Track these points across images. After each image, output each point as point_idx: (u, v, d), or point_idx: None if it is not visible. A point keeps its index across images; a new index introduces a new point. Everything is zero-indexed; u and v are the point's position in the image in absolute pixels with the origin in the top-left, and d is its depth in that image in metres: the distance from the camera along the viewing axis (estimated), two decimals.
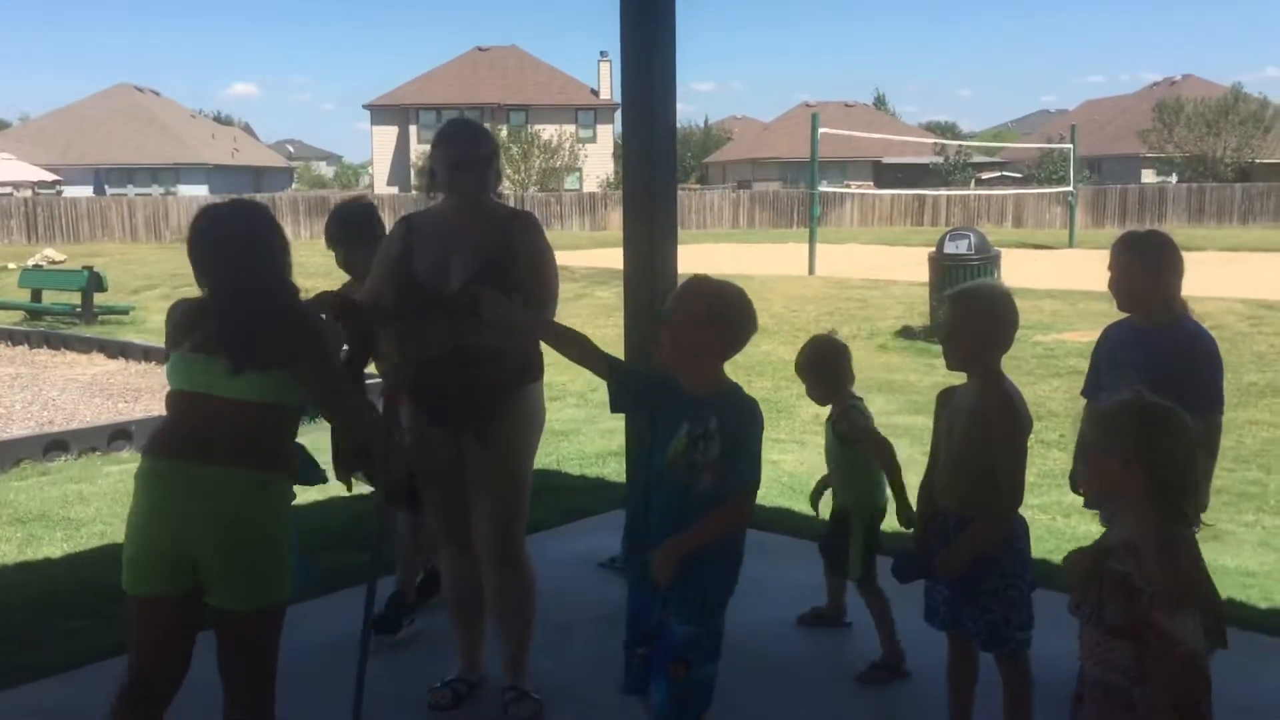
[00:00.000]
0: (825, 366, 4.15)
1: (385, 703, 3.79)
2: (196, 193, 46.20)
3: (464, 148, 3.63)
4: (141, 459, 2.94)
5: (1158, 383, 2.51)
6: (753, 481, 2.84)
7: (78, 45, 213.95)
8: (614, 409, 3.15)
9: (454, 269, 3.56)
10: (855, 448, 4.08)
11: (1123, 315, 3.61)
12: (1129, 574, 2.28)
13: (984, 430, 3.08)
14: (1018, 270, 13.83)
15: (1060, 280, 17.77)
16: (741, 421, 2.82)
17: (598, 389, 10.73)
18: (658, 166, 5.04)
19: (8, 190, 40.98)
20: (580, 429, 8.82)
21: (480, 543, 3.73)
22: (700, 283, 2.91)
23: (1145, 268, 3.49)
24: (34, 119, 61.35)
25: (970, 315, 3.17)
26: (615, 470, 7.17)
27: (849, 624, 4.45)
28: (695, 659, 2.82)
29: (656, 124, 5.03)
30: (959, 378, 3.28)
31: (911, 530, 3.55)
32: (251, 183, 56.70)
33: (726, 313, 2.86)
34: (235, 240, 2.95)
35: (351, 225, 4.40)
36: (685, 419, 2.82)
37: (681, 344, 2.84)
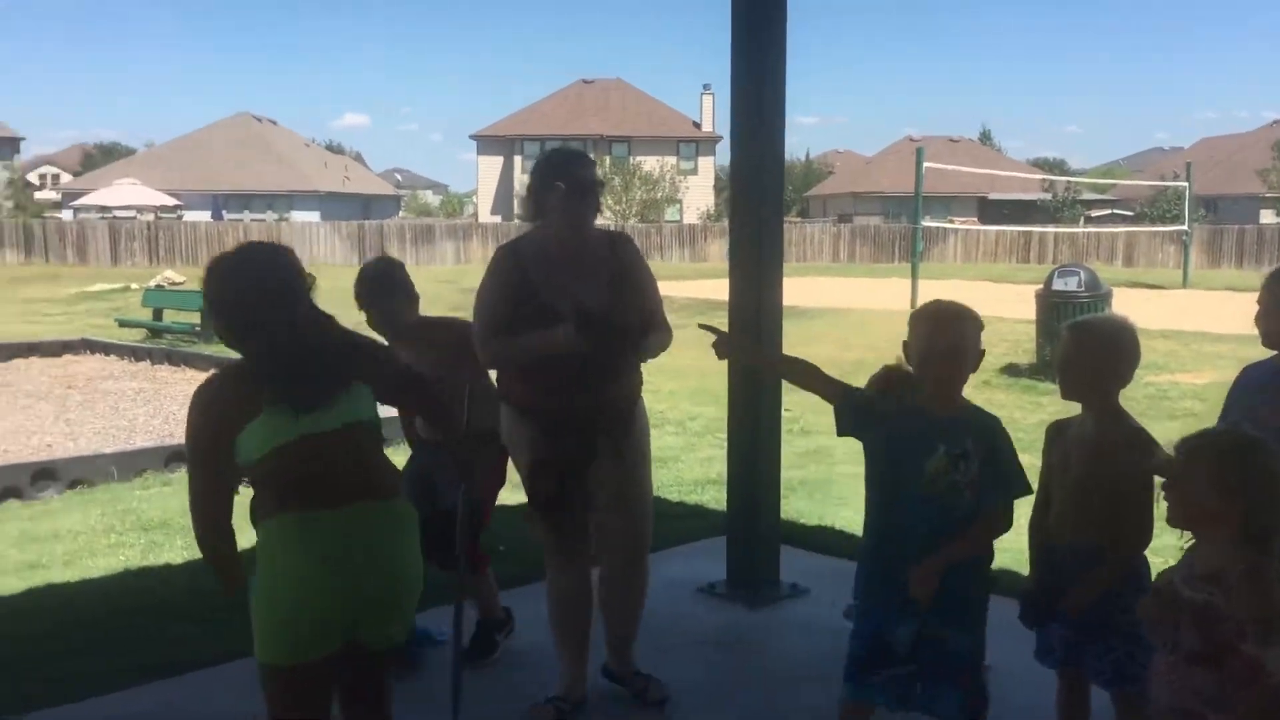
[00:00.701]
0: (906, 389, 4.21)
1: None
2: (309, 219, 47.59)
3: (592, 172, 3.75)
4: (271, 522, 2.69)
5: None
6: (1017, 493, 3.02)
7: (201, 75, 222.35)
8: (841, 433, 3.26)
9: (584, 292, 3.66)
10: None
11: (1265, 355, 3.43)
12: (1212, 603, 2.28)
13: (1110, 463, 3.03)
14: (1129, 309, 13.39)
15: (1174, 321, 17.32)
16: (996, 438, 3.00)
17: (696, 417, 10.78)
18: (765, 200, 5.08)
19: (131, 214, 42.74)
20: (679, 456, 8.88)
21: (617, 549, 3.93)
22: (937, 308, 3.08)
23: None
24: (158, 146, 63.78)
25: (1091, 346, 3.13)
26: (714, 498, 7.21)
27: None
28: (979, 662, 3.04)
29: (765, 157, 5.07)
30: (1068, 410, 3.25)
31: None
32: (361, 210, 58.14)
33: (970, 339, 3.02)
34: (279, 285, 2.76)
35: (369, 280, 4.27)
36: (940, 441, 2.96)
37: (951, 368, 2.99)
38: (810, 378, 3.26)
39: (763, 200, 5.08)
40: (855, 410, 3.13)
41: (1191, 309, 19.26)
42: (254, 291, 2.70)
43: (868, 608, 3.11)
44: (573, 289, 3.67)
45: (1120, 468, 3.00)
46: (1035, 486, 3.16)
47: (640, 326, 3.72)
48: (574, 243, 3.73)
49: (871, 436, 3.10)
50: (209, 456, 2.67)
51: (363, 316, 4.18)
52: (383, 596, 2.73)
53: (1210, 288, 26.79)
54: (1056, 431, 3.25)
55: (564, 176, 3.68)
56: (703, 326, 3.45)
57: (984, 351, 3.05)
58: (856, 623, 3.14)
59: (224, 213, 48.56)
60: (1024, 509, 3.47)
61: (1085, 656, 3.13)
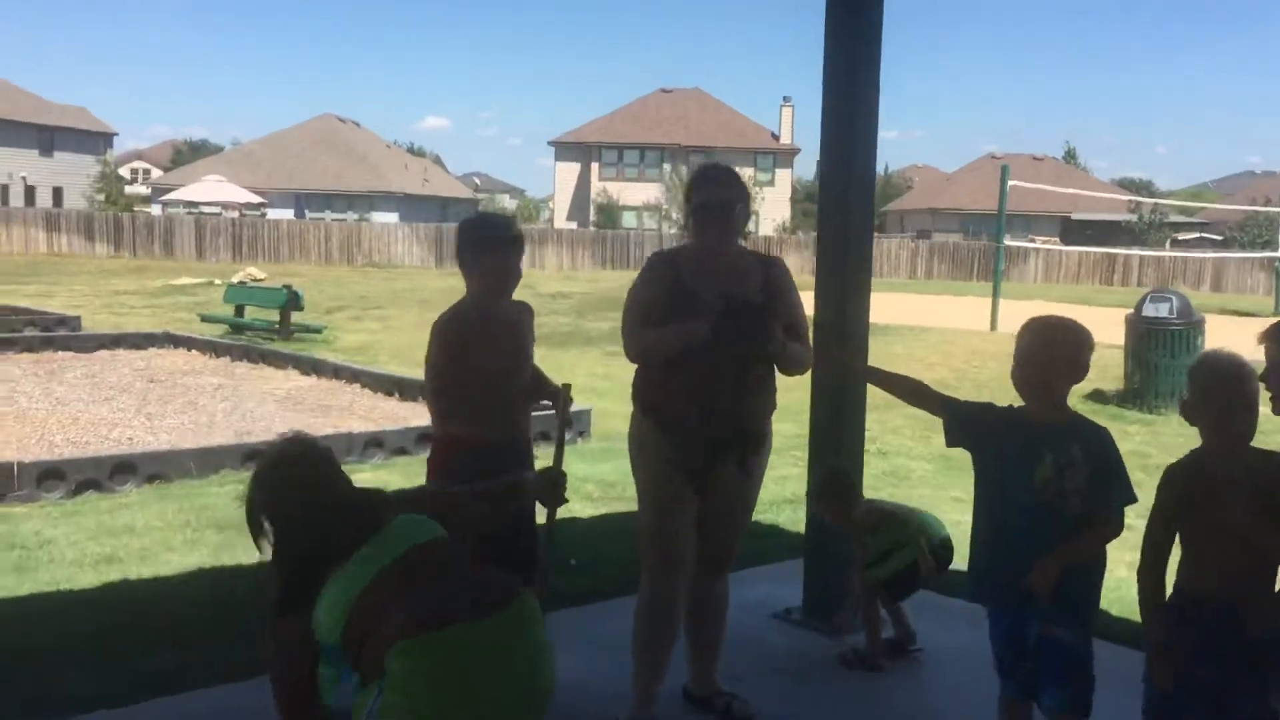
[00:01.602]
0: None
1: None
2: (388, 219, 48.22)
3: (711, 191, 3.78)
4: (414, 645, 2.55)
5: None
6: (1128, 501, 3.07)
7: (287, 75, 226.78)
8: (950, 444, 3.46)
9: (735, 293, 3.68)
10: None
11: None
12: None
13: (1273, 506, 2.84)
14: (1220, 337, 13.11)
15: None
16: (1105, 446, 3.09)
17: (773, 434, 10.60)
18: (853, 216, 4.95)
19: (217, 210, 43.66)
20: None
21: (712, 563, 3.96)
22: (1049, 321, 3.20)
23: None
24: (244, 144, 65.07)
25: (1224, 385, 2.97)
26: (789, 518, 7.07)
27: (920, 649, 4.69)
28: (1085, 656, 3.14)
29: (855, 172, 4.95)
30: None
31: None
32: (439, 212, 58.74)
33: (1063, 345, 3.15)
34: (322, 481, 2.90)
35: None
36: (1047, 449, 3.06)
37: (1051, 378, 3.12)
38: (917, 393, 3.54)
39: (850, 215, 4.95)
40: (964, 422, 3.33)
41: None
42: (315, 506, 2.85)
43: (992, 611, 3.28)
44: (724, 288, 3.69)
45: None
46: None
47: (784, 337, 3.73)
48: (723, 257, 3.80)
49: (981, 447, 3.25)
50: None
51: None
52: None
53: None
54: (1189, 472, 2.97)
55: (693, 195, 3.79)
56: (822, 343, 3.56)
57: (1087, 366, 3.17)
58: (990, 626, 3.30)
59: (306, 211, 49.39)
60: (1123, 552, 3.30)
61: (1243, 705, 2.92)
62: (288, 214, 46.60)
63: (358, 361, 14.34)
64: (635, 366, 3.89)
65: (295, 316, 17.79)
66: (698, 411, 3.71)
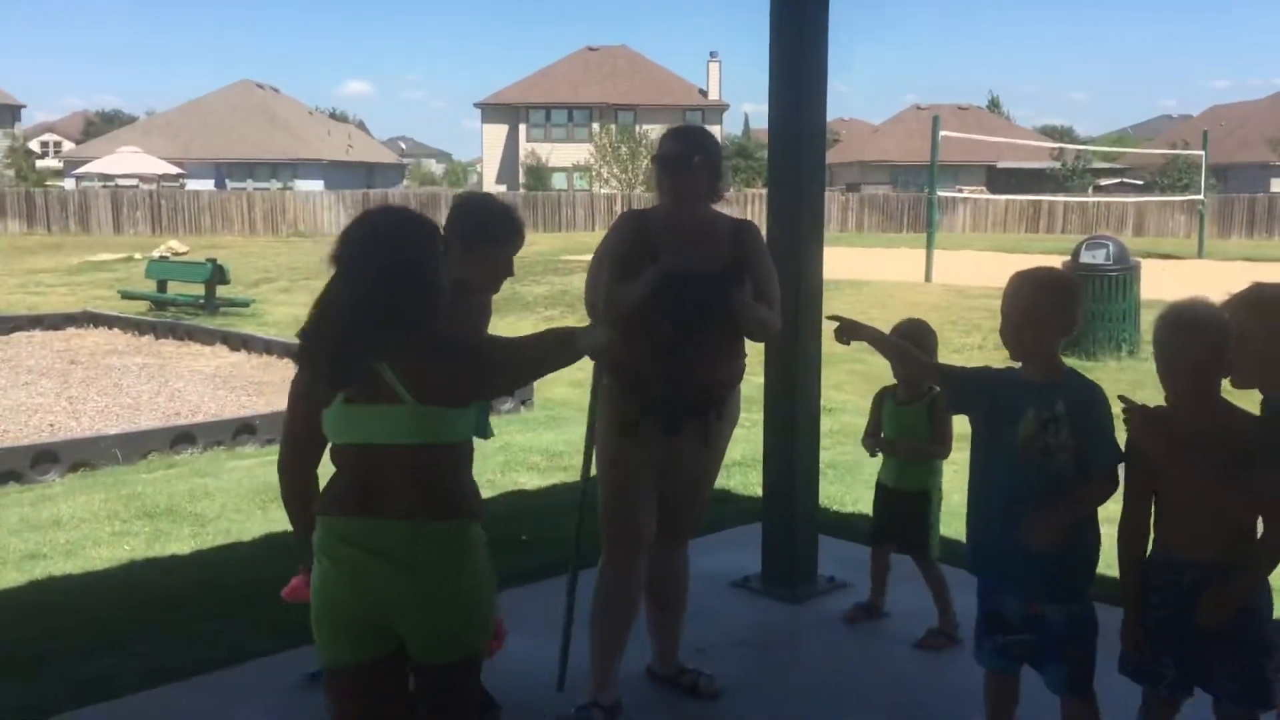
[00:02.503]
0: (923, 345, 4.21)
1: None
2: (313, 187, 47.18)
3: (666, 148, 3.69)
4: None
5: None
6: (1115, 460, 2.94)
7: (202, 41, 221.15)
8: (951, 410, 3.48)
9: (699, 259, 3.56)
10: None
11: None
12: None
13: (1245, 463, 2.71)
14: (1150, 282, 13.27)
15: (1200, 292, 16.97)
16: (1092, 402, 2.96)
17: None
18: (804, 171, 4.82)
19: (133, 183, 42.39)
20: None
21: (672, 534, 3.84)
22: (1033, 274, 3.05)
23: None
24: (160, 113, 63.24)
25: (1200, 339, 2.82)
26: (741, 483, 6.96)
27: (888, 614, 4.61)
28: (1080, 634, 3.01)
29: (804, 126, 4.80)
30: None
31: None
32: (364, 179, 57.75)
33: (1059, 298, 3.01)
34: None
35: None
36: (1030, 405, 2.95)
37: (1028, 333, 2.99)
38: (918, 363, 3.56)
39: (802, 172, 4.81)
40: (962, 387, 3.24)
41: (1210, 280, 18.92)
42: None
43: (977, 575, 3.19)
44: (689, 252, 3.58)
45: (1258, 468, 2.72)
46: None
47: (747, 299, 3.61)
48: (694, 219, 3.70)
49: (976, 409, 3.14)
50: None
51: None
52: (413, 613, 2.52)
53: (1225, 257, 26.48)
54: (1151, 427, 2.83)
55: (657, 153, 3.71)
56: (832, 318, 3.41)
57: (1076, 318, 3.04)
58: (978, 592, 3.22)
59: (227, 181, 48.27)
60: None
61: (1214, 676, 2.84)
62: (208, 184, 45.50)
63: (290, 336, 13.97)
64: None
65: (221, 290, 17.31)
66: (660, 376, 3.58)
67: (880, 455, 4.57)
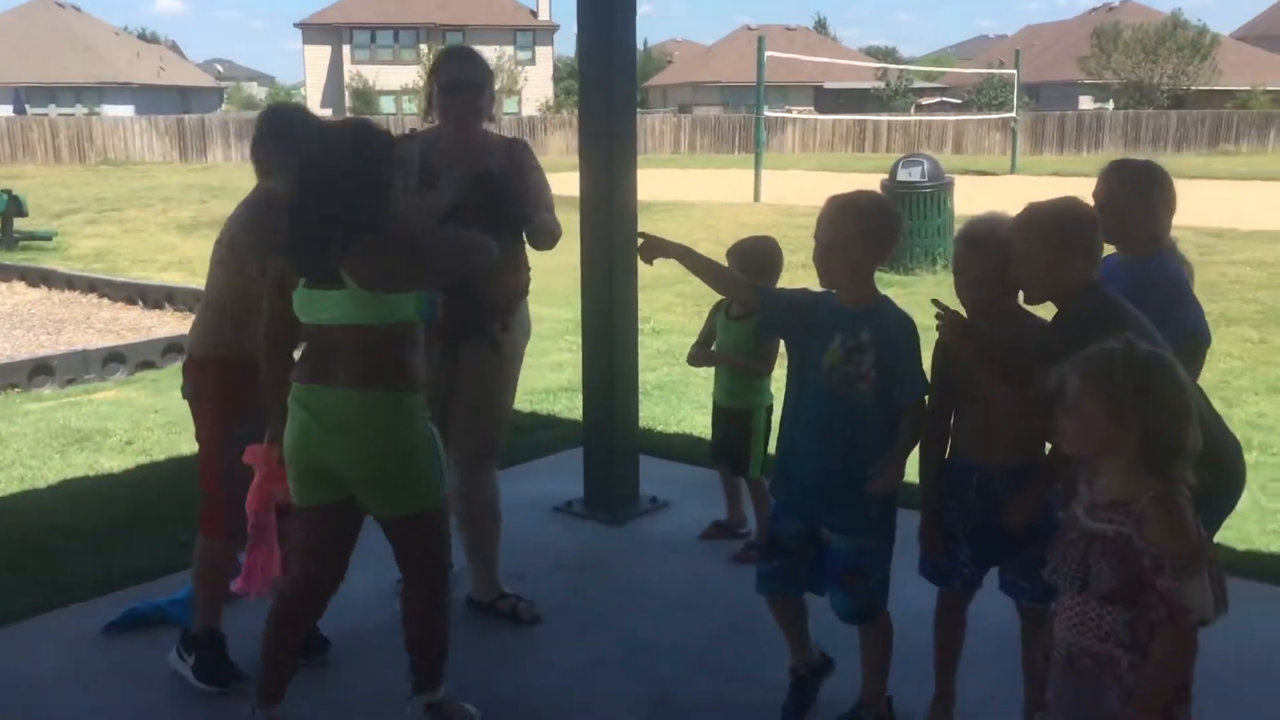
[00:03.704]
0: (762, 264, 4.24)
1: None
2: (122, 113, 44.49)
3: (454, 73, 3.73)
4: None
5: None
6: (918, 392, 2.94)
7: None
8: (763, 333, 3.51)
9: (444, 183, 3.55)
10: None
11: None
12: (1123, 534, 2.10)
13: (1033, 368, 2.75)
14: (965, 197, 13.71)
15: (1009, 207, 17.64)
16: (900, 332, 2.93)
17: (542, 319, 10.39)
18: (616, 90, 4.74)
19: None
20: (526, 363, 8.53)
21: (471, 453, 3.82)
22: (845, 199, 2.98)
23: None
24: None
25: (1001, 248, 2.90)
26: (565, 407, 6.93)
27: (748, 532, 4.60)
28: (866, 566, 3.00)
29: (615, 44, 4.72)
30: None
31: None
32: (179, 103, 54.85)
33: (872, 225, 2.95)
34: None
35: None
36: (838, 331, 2.92)
37: (836, 260, 2.94)
38: (731, 281, 3.44)
39: (613, 90, 4.73)
40: (775, 309, 3.19)
41: (1022, 195, 19.53)
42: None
43: (773, 498, 3.22)
44: (468, 169, 3.63)
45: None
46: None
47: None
48: (467, 142, 3.75)
49: (788, 333, 3.11)
50: None
51: None
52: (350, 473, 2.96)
53: (1037, 173, 27.60)
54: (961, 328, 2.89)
55: (437, 76, 3.74)
56: (640, 235, 3.31)
57: (884, 246, 3.00)
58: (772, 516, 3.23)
59: (27, 107, 45.17)
60: None
61: (1007, 572, 2.97)
62: (6, 110, 42.48)
63: (96, 270, 13.23)
64: None
65: (20, 223, 16.22)
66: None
67: (711, 372, 4.58)
